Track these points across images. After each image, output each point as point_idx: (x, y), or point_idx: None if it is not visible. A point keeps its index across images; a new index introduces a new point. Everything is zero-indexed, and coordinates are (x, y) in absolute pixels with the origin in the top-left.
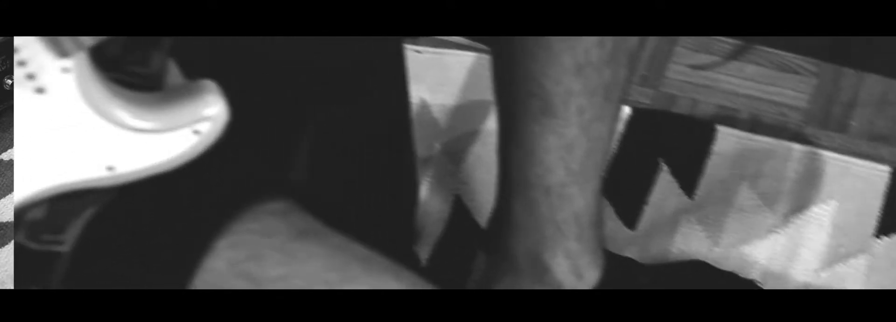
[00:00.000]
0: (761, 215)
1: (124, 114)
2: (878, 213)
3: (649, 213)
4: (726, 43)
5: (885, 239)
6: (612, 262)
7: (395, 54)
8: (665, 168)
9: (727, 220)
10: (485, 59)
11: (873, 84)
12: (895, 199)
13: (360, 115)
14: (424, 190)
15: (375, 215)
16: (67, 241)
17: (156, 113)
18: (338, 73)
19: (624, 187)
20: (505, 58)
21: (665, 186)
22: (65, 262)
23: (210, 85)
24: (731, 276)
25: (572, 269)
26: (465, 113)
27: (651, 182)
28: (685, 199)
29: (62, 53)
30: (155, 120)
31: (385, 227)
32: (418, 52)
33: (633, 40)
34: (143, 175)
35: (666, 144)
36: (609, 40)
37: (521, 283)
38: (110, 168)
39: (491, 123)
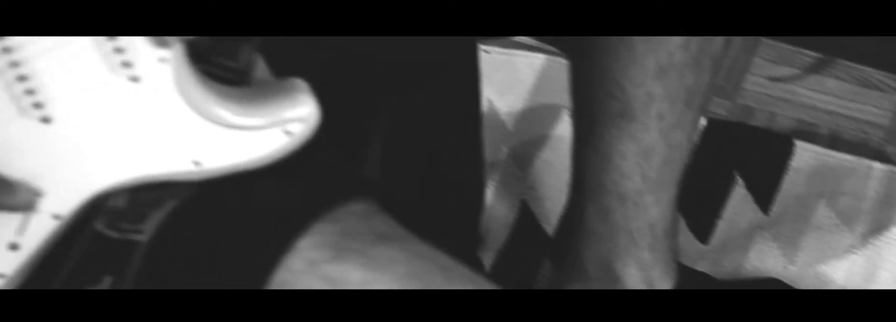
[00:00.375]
0: (839, 234)
1: (218, 109)
2: None
3: (722, 228)
4: (807, 55)
5: None
6: (685, 276)
7: (469, 53)
8: (740, 182)
9: (803, 238)
10: (556, 62)
11: None
12: None
13: (430, 113)
14: (490, 194)
15: (440, 217)
16: (147, 231)
17: (248, 110)
18: (411, 68)
19: (697, 200)
20: (585, 58)
21: (740, 201)
22: (142, 251)
23: (302, 85)
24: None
25: (644, 279)
26: (534, 117)
27: (725, 196)
28: (760, 214)
29: (161, 43)
30: (247, 117)
31: (449, 231)
32: (487, 52)
33: (717, 44)
34: (229, 172)
35: (742, 157)
36: (694, 43)
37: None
38: (197, 163)
39: (560, 129)
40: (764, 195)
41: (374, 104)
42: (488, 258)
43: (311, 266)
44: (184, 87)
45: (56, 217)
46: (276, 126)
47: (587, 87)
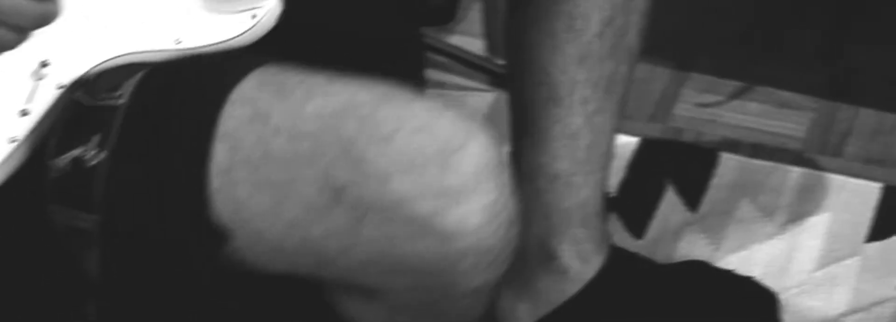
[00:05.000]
0: (760, 224)
1: None
2: (870, 223)
3: (655, 226)
4: (730, 84)
5: (876, 243)
6: (616, 252)
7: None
8: (671, 188)
9: (728, 230)
10: (503, 98)
11: (867, 116)
12: (886, 211)
13: None
14: None
15: None
16: (124, 95)
17: None
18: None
19: (632, 205)
20: (516, 49)
21: (670, 203)
22: (123, 111)
23: None
24: (729, 272)
25: (578, 254)
26: None
27: (657, 200)
28: (689, 213)
29: None
30: (220, 2)
31: None
32: (441, 94)
33: (631, 37)
34: (205, 51)
35: (672, 168)
36: (608, 34)
37: (528, 268)
38: (178, 41)
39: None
40: (692, 197)
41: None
42: None
43: (259, 87)
44: None
45: (60, 86)
46: (245, 11)
47: (520, 78)
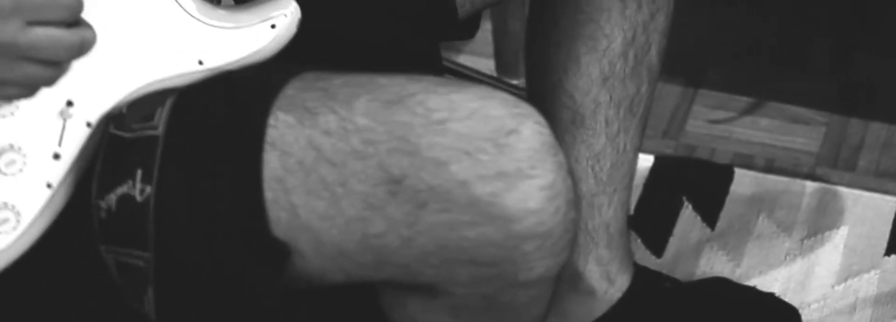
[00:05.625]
0: (779, 240)
1: (212, 12)
2: (888, 236)
3: (674, 243)
4: (741, 100)
5: (895, 256)
6: (640, 272)
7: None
8: (688, 205)
9: (747, 246)
10: None
11: (878, 130)
12: None
13: None
14: None
15: None
16: (159, 125)
17: (238, 12)
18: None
19: (650, 222)
20: (538, 71)
21: (688, 220)
22: (162, 141)
23: None
24: (752, 289)
25: (604, 274)
26: None
27: (675, 217)
28: (707, 230)
29: None
30: (238, 17)
31: None
32: None
33: (653, 57)
34: (230, 68)
35: (688, 185)
36: (631, 53)
37: (555, 289)
38: (201, 62)
39: None
40: (710, 214)
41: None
42: None
43: (301, 90)
44: None
45: (89, 124)
46: (264, 22)
47: (542, 99)
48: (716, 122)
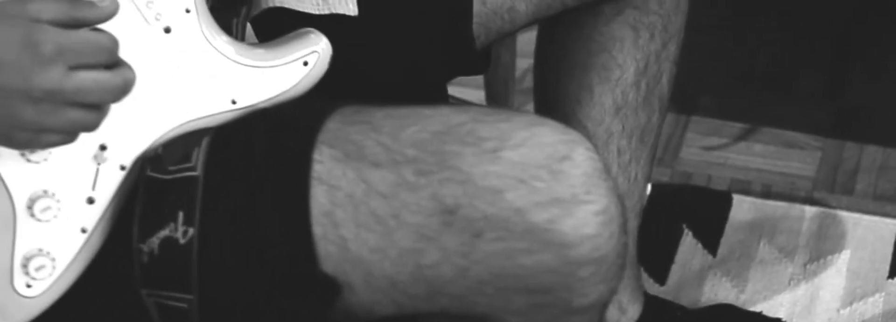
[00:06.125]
0: (782, 265)
1: (243, 51)
2: (890, 258)
3: (676, 271)
4: (734, 126)
5: None
6: (650, 301)
7: None
8: (688, 232)
9: (750, 272)
10: None
11: (873, 153)
12: None
13: None
14: None
15: None
16: (198, 166)
17: (270, 51)
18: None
19: (652, 250)
20: (550, 104)
21: (689, 247)
22: (201, 183)
23: (312, 29)
24: (758, 315)
25: (616, 304)
26: None
27: (676, 244)
28: (709, 257)
29: None
30: (270, 56)
31: None
32: None
33: (664, 86)
34: (263, 106)
35: (687, 212)
36: (643, 83)
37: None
38: (234, 101)
39: None
40: (710, 241)
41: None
42: None
43: (343, 124)
44: (209, 35)
45: (122, 168)
46: (296, 60)
47: None
48: (710, 149)
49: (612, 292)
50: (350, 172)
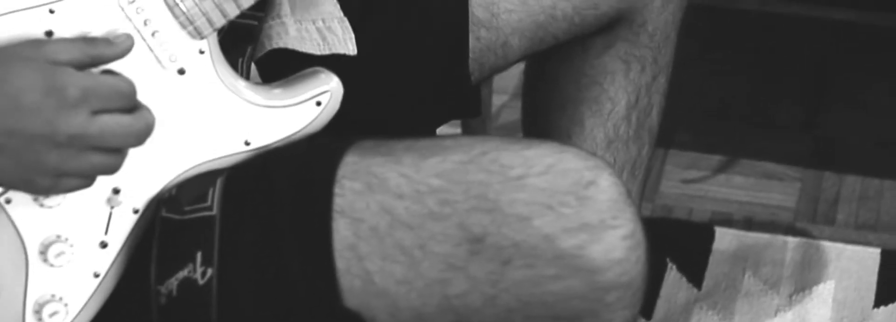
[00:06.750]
0: (767, 297)
1: (256, 92)
2: (875, 288)
3: (662, 306)
4: (713, 158)
5: (884, 308)
6: None
7: None
8: (672, 266)
9: (736, 304)
10: None
11: (852, 182)
12: (889, 275)
13: None
14: None
15: None
16: (214, 206)
17: (282, 91)
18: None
19: None
20: (541, 137)
21: (674, 282)
22: (218, 223)
23: (322, 68)
24: None
25: None
26: None
27: (661, 279)
28: (694, 290)
29: (198, 35)
30: (283, 96)
31: None
32: None
33: (653, 118)
34: (275, 146)
35: (670, 246)
36: (634, 116)
37: None
38: (248, 142)
39: None
40: (695, 274)
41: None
42: None
43: (360, 159)
44: (223, 76)
45: (135, 211)
46: (309, 99)
47: None
48: (690, 182)
49: (635, 318)
50: (373, 204)
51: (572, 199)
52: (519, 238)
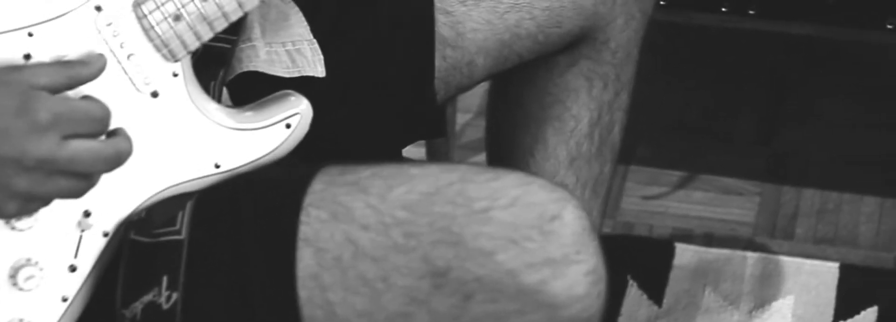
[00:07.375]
0: (727, 313)
1: (228, 115)
2: (834, 302)
3: None
4: (672, 174)
5: None
6: None
7: None
8: (633, 283)
9: (697, 321)
10: None
11: (811, 196)
12: (847, 290)
13: None
14: None
15: None
16: (183, 229)
17: (253, 114)
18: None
19: None
20: (504, 156)
21: (635, 299)
22: (186, 247)
23: (291, 91)
24: None
25: None
26: None
27: (621, 297)
28: (655, 307)
29: (172, 57)
30: (253, 118)
31: None
32: None
33: (615, 135)
34: (245, 169)
35: (630, 263)
36: (596, 133)
37: None
38: (217, 165)
39: None
40: (655, 291)
41: None
42: None
43: (328, 185)
44: (195, 98)
45: (105, 235)
46: (279, 122)
47: None
48: (650, 198)
49: None
50: (338, 234)
51: (536, 233)
52: (482, 273)
